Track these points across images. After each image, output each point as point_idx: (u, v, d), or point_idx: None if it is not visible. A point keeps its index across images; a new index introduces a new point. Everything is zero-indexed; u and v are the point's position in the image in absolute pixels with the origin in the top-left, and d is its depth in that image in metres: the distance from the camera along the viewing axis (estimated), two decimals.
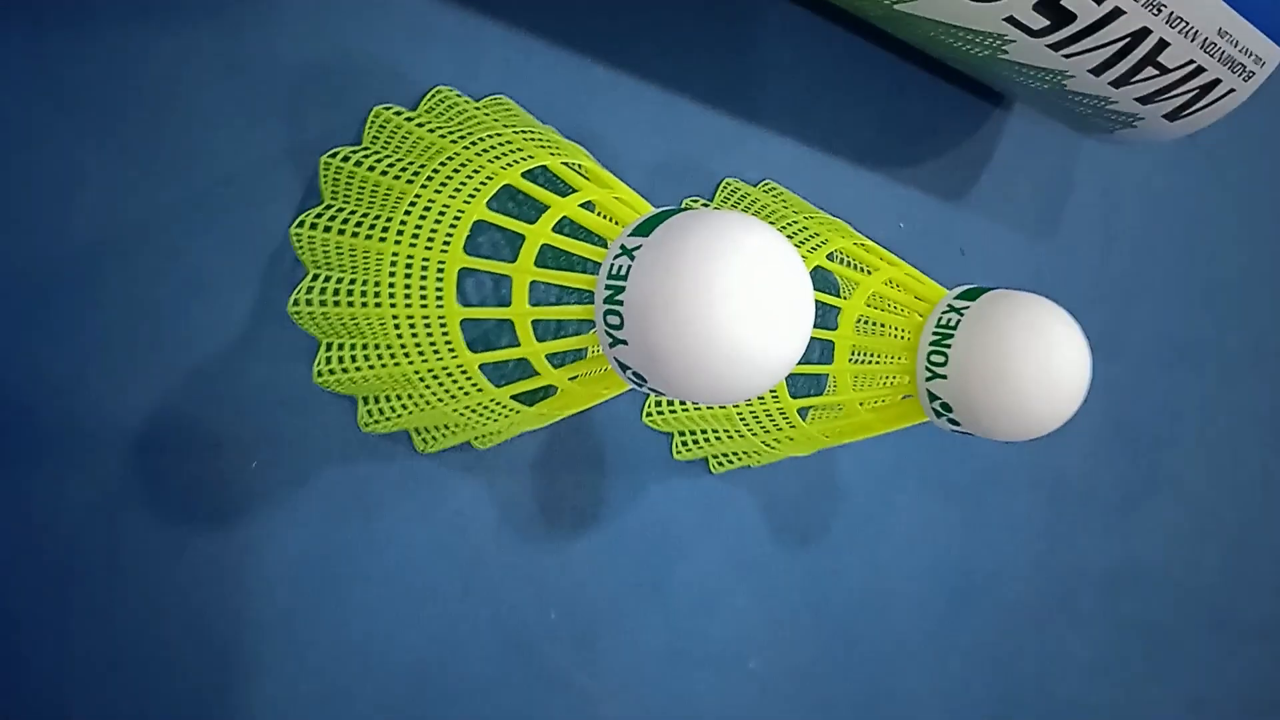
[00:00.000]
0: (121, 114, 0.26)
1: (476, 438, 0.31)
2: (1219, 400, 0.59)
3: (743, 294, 0.21)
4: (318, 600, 0.30)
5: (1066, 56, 0.35)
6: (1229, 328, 0.59)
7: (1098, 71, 0.36)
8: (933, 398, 0.30)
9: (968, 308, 0.30)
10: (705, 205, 0.36)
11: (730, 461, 0.37)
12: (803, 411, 0.36)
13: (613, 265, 0.22)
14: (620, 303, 0.22)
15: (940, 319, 0.30)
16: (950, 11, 0.33)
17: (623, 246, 0.23)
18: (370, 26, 0.29)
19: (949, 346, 0.29)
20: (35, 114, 0.25)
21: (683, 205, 0.36)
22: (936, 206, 0.44)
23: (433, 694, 0.33)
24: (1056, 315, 0.29)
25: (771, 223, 0.34)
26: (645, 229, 0.23)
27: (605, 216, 0.26)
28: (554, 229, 0.25)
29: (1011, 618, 0.50)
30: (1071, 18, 0.33)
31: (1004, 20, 0.33)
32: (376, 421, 0.30)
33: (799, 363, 0.33)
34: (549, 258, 0.28)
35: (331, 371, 0.29)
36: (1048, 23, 0.34)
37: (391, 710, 0.32)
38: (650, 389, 0.23)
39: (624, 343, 0.22)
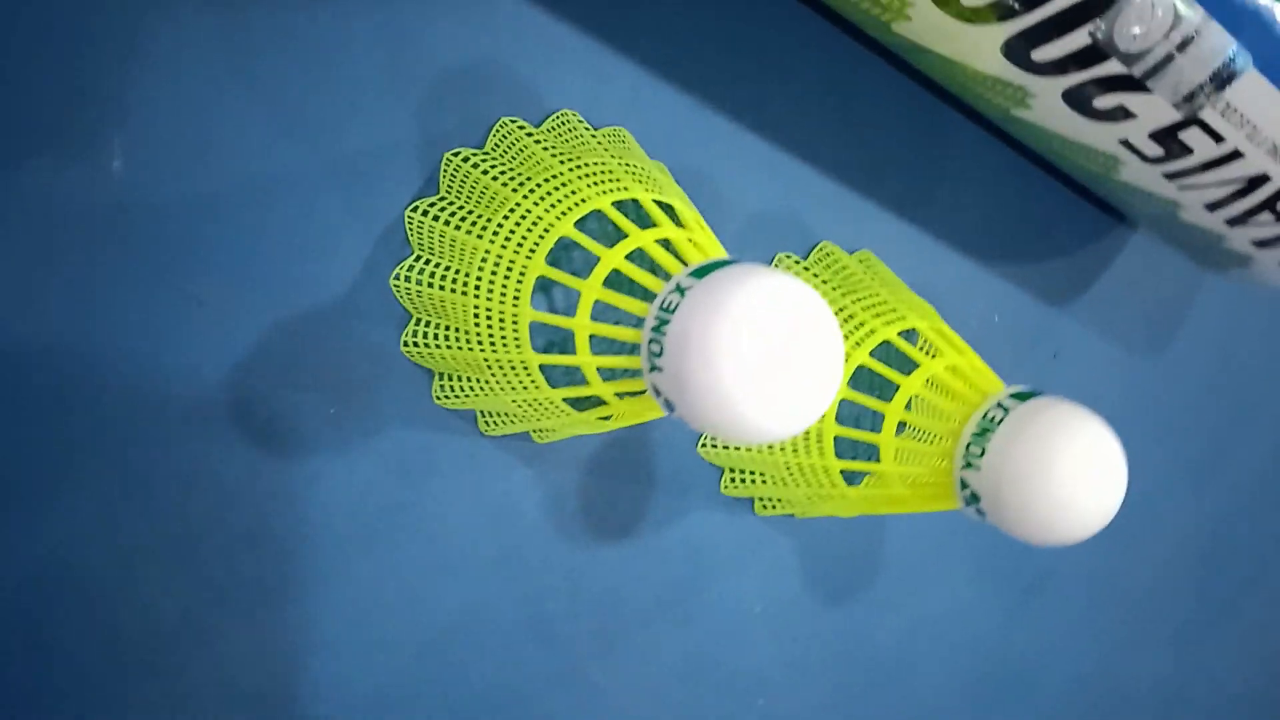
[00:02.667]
0: (284, 77, 0.30)
1: (535, 431, 0.34)
2: None
3: (767, 345, 0.23)
4: (366, 543, 0.33)
5: (1180, 188, 0.36)
6: None
7: (1212, 208, 0.36)
8: (964, 485, 0.31)
9: (1016, 408, 0.31)
10: (798, 262, 0.38)
11: (774, 506, 0.39)
12: (853, 475, 0.37)
13: (666, 299, 0.25)
14: (664, 333, 0.24)
15: (987, 413, 0.31)
16: (1066, 126, 0.34)
17: (678, 284, 0.25)
18: (517, 38, 0.32)
19: (988, 440, 0.30)
20: (214, 71, 0.29)
21: (775, 259, 0.38)
22: (1038, 307, 0.45)
23: (451, 656, 0.35)
24: (1098, 433, 0.30)
25: (853, 292, 0.36)
26: (701, 272, 0.25)
27: (678, 256, 0.28)
28: (627, 257, 0.27)
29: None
30: (1188, 152, 0.34)
31: (1119, 142, 0.34)
32: (448, 397, 0.32)
33: (849, 425, 0.34)
34: (621, 283, 0.31)
35: (417, 344, 0.32)
36: (1162, 152, 0.34)
37: (407, 661, 0.35)
38: (678, 416, 0.25)
39: (660, 370, 0.24)
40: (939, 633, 0.46)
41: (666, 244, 0.29)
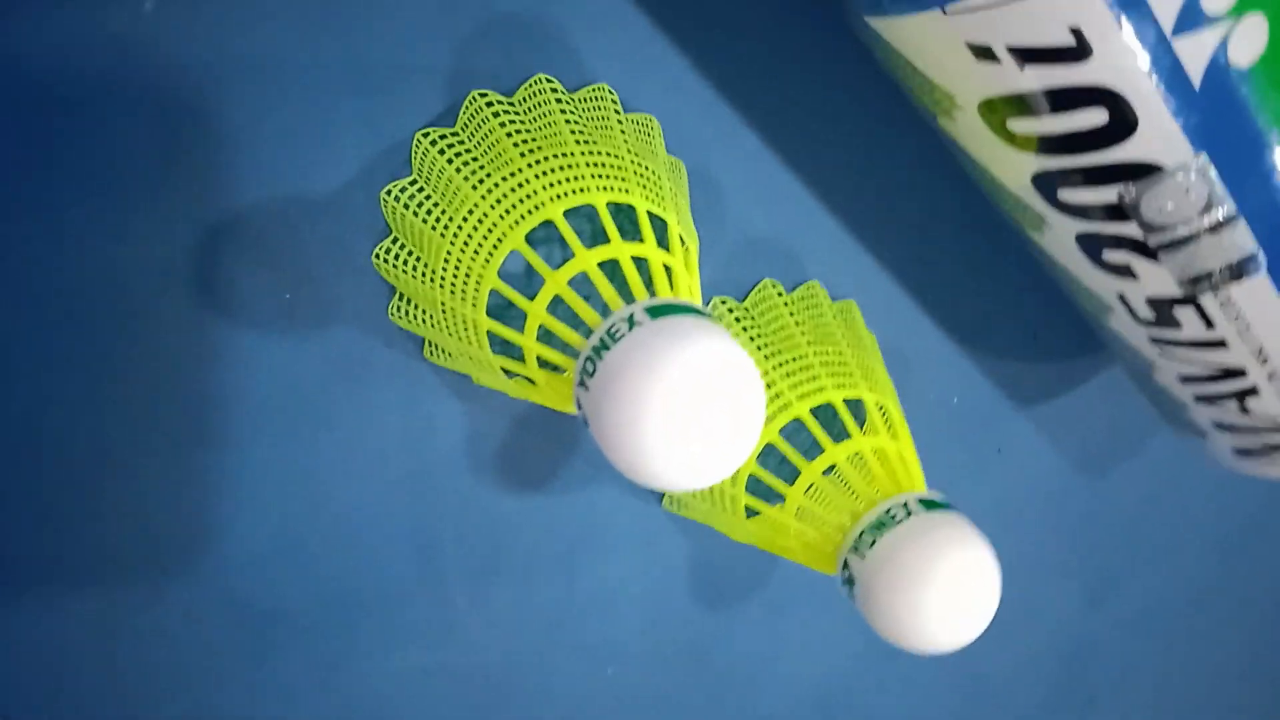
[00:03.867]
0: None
1: (475, 377, 0.34)
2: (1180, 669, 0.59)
3: (689, 410, 0.24)
4: (289, 426, 0.34)
5: (1161, 353, 0.36)
6: (1221, 630, 0.59)
7: (1185, 380, 0.37)
8: (845, 566, 0.32)
9: (918, 514, 0.32)
10: (780, 293, 0.38)
11: (678, 507, 0.40)
12: (753, 511, 0.38)
13: (615, 326, 0.25)
14: (602, 358, 0.25)
15: (891, 509, 0.32)
16: (1071, 262, 0.34)
17: (631, 315, 0.25)
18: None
19: (881, 535, 0.31)
20: None
21: (760, 283, 0.38)
22: (1001, 400, 0.45)
23: (335, 546, 0.37)
24: (982, 569, 0.31)
25: (784, 353, 0.36)
26: (656, 311, 0.25)
27: (649, 277, 0.29)
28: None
29: None
30: (1177, 326, 0.34)
31: (1116, 295, 0.34)
32: (402, 317, 0.33)
33: (768, 468, 0.35)
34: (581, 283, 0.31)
35: (386, 261, 0.32)
36: (1153, 317, 0.34)
37: (296, 538, 0.36)
38: (590, 434, 0.26)
39: (586, 389, 0.25)
40: (794, 662, 0.47)
41: (643, 261, 0.29)
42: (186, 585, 0.35)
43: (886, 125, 0.38)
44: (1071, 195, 0.31)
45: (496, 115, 0.31)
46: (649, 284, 0.28)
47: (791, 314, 0.37)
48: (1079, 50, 0.27)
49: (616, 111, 0.33)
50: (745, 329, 0.37)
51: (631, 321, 0.25)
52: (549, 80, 0.32)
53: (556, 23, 0.32)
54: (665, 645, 0.45)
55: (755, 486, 0.39)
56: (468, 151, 0.31)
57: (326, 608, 0.38)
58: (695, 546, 0.43)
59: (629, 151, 0.31)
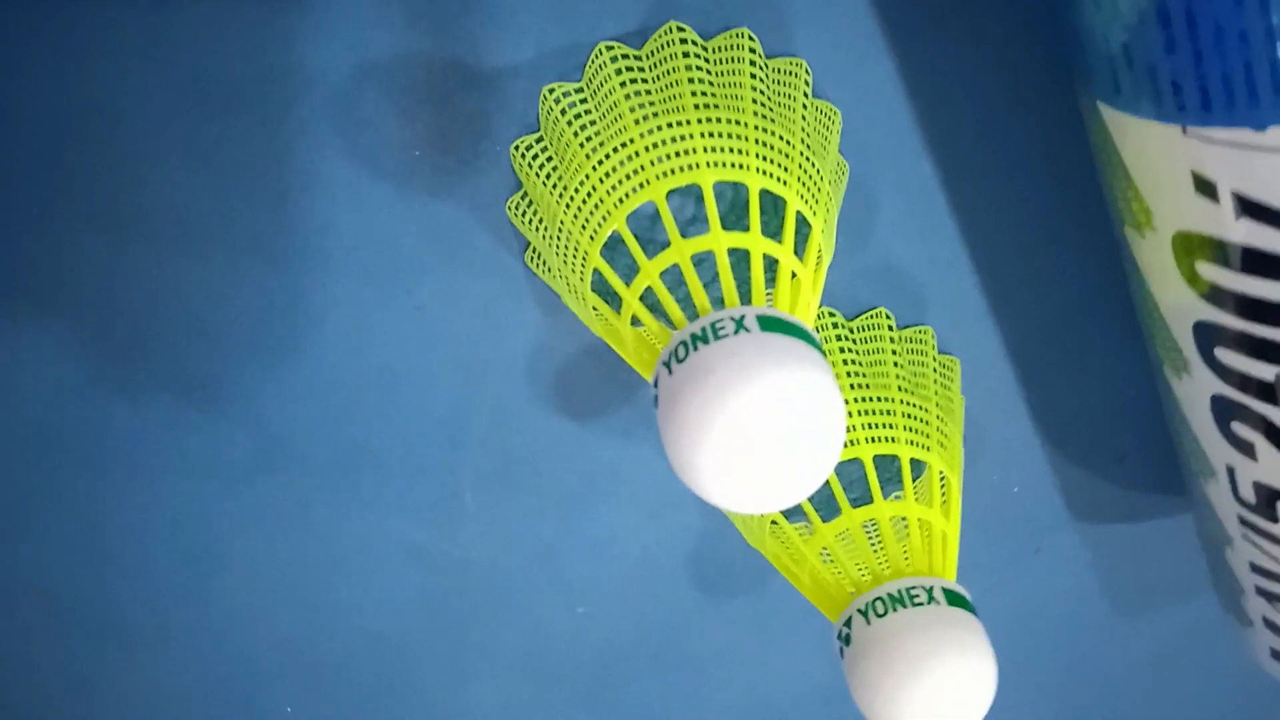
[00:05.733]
0: None
1: (564, 298, 0.33)
2: None
3: (763, 441, 0.23)
4: (367, 273, 0.34)
5: (1243, 534, 0.34)
6: None
7: (1254, 569, 0.35)
8: (848, 623, 0.31)
9: (940, 602, 0.30)
10: (890, 327, 0.36)
11: None
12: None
13: (721, 322, 0.24)
14: (696, 349, 0.24)
15: (914, 587, 0.31)
16: (1196, 417, 0.32)
17: (742, 317, 0.24)
18: None
19: (896, 609, 0.30)
20: None
21: (875, 310, 0.36)
22: (1061, 509, 0.44)
23: (369, 405, 0.37)
24: (980, 682, 0.29)
25: (897, 386, 0.34)
26: (769, 324, 0.24)
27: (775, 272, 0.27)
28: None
29: None
30: (1274, 520, 0.32)
31: (1225, 464, 0.32)
32: (518, 215, 0.32)
33: (809, 499, 0.34)
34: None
35: (521, 156, 0.31)
36: (1254, 501, 0.32)
37: (327, 383, 0.36)
38: (655, 414, 0.25)
39: (669, 374, 0.24)
40: (760, 672, 0.47)
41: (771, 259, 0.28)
42: (209, 397, 0.35)
43: (1067, 201, 0.36)
44: (1228, 357, 0.29)
45: (619, 72, 0.29)
46: (771, 281, 0.27)
47: (894, 351, 0.36)
48: None
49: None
50: (843, 350, 0.35)
51: (740, 325, 0.24)
52: (680, 29, 0.30)
53: None
54: (642, 606, 0.44)
55: (792, 509, 0.37)
56: (587, 113, 0.29)
57: (340, 451, 0.38)
58: (705, 531, 0.42)
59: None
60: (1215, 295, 0.28)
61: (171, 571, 0.41)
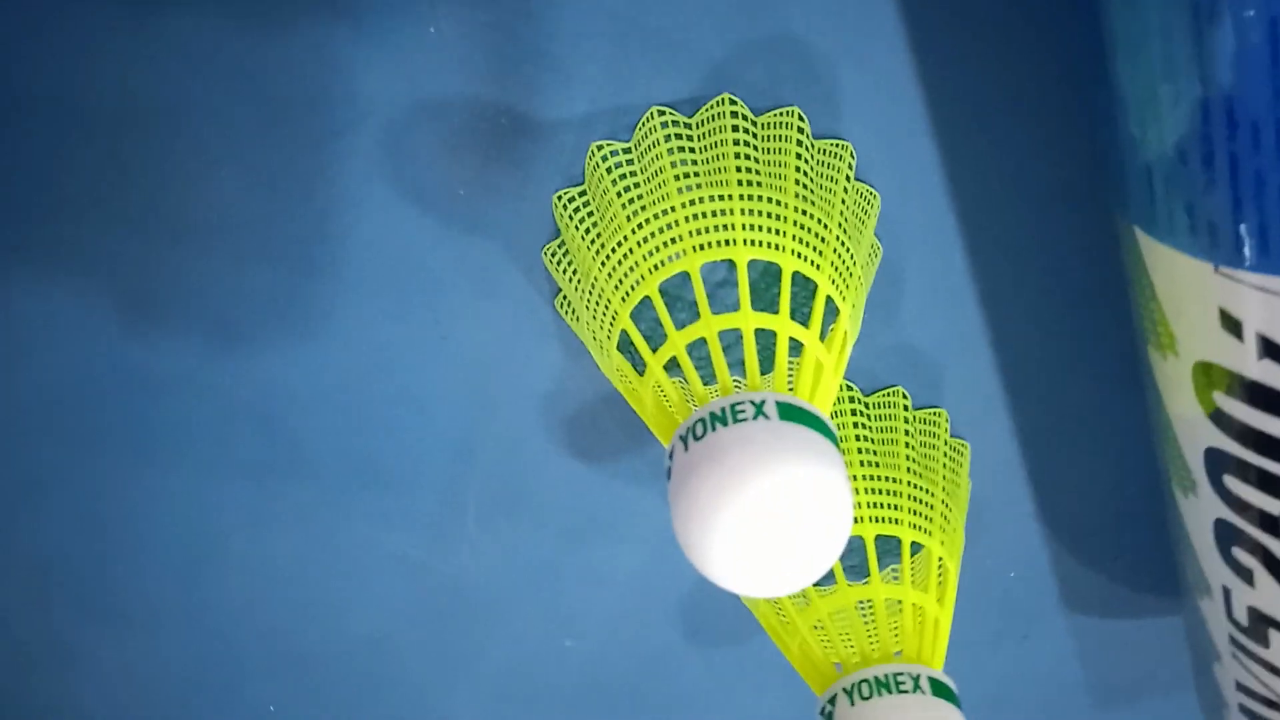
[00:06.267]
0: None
1: (589, 348, 0.34)
2: None
3: (773, 534, 0.23)
4: (397, 291, 0.34)
5: (1232, 653, 0.34)
6: None
7: (1239, 688, 0.35)
8: (833, 701, 0.31)
9: (924, 692, 0.31)
10: (906, 406, 0.37)
11: None
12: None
13: (741, 405, 0.24)
14: (714, 430, 0.24)
15: (901, 674, 0.31)
16: (1198, 538, 0.33)
17: (763, 403, 0.24)
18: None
19: (882, 696, 0.30)
20: None
21: (892, 388, 0.36)
22: (1055, 599, 0.44)
23: (382, 418, 0.37)
24: None
25: (906, 468, 0.35)
26: (789, 414, 0.24)
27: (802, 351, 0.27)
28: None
29: None
30: (1264, 645, 0.32)
31: (1222, 585, 0.33)
32: (552, 261, 0.32)
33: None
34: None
35: (562, 208, 0.31)
36: (1246, 624, 0.33)
37: (342, 387, 0.37)
38: (668, 485, 0.25)
39: (685, 451, 0.24)
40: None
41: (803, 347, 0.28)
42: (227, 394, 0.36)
43: (1094, 304, 0.36)
44: (1236, 486, 0.29)
45: (668, 139, 0.30)
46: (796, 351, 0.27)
47: (907, 431, 0.36)
48: None
49: (800, 136, 0.31)
50: (857, 425, 0.35)
51: (759, 410, 0.24)
52: (733, 102, 0.30)
53: (828, 62, 0.30)
54: (629, 643, 0.45)
55: None
56: (632, 174, 0.29)
57: (349, 461, 0.39)
58: (701, 580, 0.42)
59: (799, 193, 0.29)
60: (1229, 426, 0.28)
61: (169, 557, 0.42)
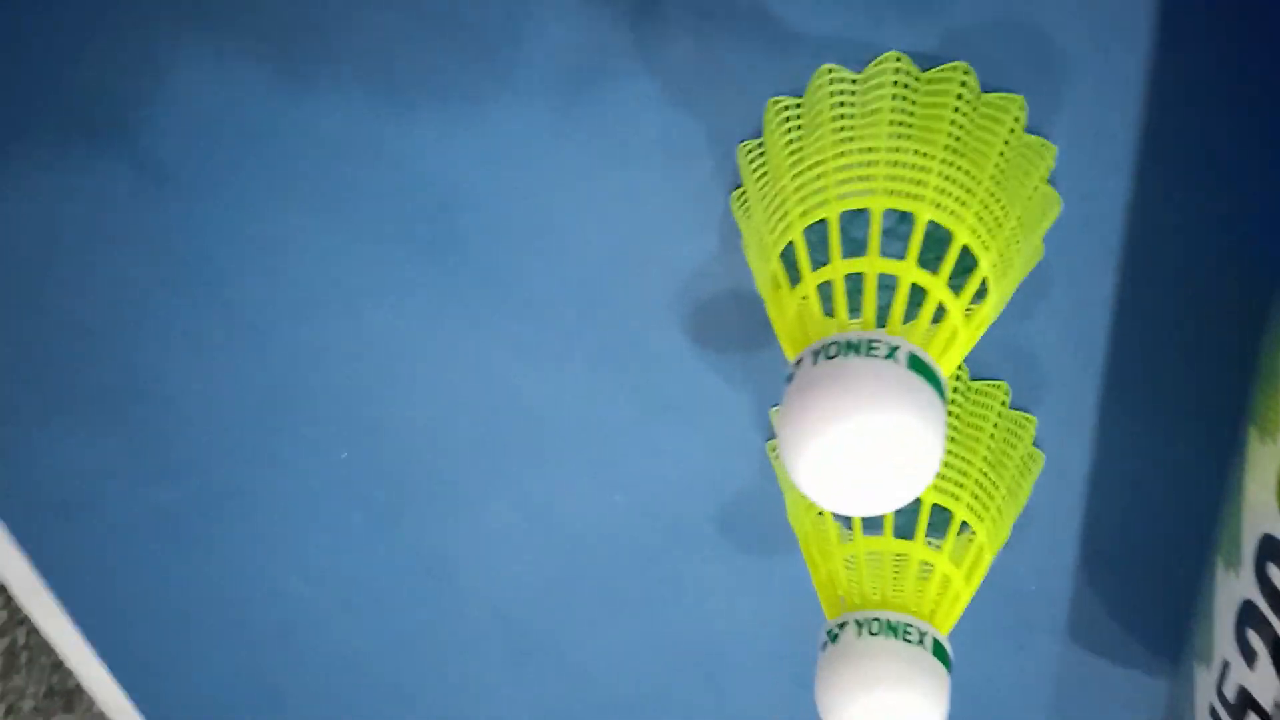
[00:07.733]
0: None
1: (744, 245, 0.36)
2: None
3: (863, 465, 0.26)
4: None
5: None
6: None
7: None
8: (840, 627, 0.34)
9: (925, 649, 0.33)
10: (1003, 402, 0.39)
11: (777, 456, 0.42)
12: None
13: (875, 342, 0.27)
14: (847, 356, 0.26)
15: (910, 626, 0.34)
16: (1224, 605, 0.35)
17: (897, 349, 0.27)
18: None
19: (885, 636, 0.33)
20: None
21: (997, 381, 0.38)
22: (1063, 622, 0.46)
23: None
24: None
25: (982, 458, 0.37)
26: (918, 366, 0.26)
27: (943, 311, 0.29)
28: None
29: None
30: None
31: (1222, 659, 0.35)
32: (745, 155, 0.35)
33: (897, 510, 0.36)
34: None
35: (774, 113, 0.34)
36: (1235, 701, 0.35)
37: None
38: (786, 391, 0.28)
39: (813, 364, 0.27)
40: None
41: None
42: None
43: (1216, 373, 0.37)
44: (1276, 576, 0.31)
45: (832, 95, 0.31)
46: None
47: (995, 424, 0.38)
48: None
49: (964, 100, 0.31)
50: (954, 402, 0.38)
51: (893, 352, 0.26)
52: (898, 59, 0.32)
53: (1064, 55, 0.32)
54: (667, 521, 0.48)
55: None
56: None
57: (500, 286, 0.42)
58: (744, 494, 0.45)
59: (953, 146, 0.30)
60: None
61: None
